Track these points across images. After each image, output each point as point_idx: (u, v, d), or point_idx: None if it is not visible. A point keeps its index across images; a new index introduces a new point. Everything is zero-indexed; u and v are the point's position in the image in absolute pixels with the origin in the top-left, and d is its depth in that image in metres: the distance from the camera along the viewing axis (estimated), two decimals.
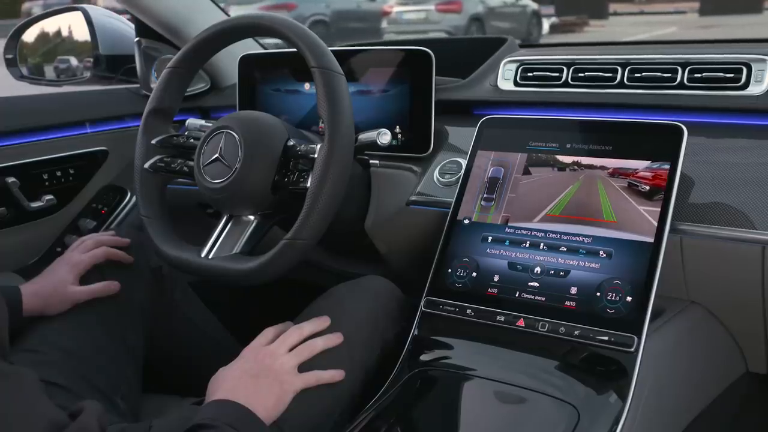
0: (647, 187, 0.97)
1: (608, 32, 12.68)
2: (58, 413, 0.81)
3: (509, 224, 1.03)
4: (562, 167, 1.04)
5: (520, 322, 0.96)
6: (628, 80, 1.14)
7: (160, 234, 1.10)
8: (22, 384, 0.83)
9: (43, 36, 1.65)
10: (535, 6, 11.86)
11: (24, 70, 1.63)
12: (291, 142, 1.05)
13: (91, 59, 1.57)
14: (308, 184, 0.98)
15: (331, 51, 1.22)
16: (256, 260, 1.00)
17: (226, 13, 1.61)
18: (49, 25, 1.64)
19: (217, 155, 1.05)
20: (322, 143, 0.98)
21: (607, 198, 0.98)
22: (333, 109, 0.98)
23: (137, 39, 1.54)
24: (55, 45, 1.66)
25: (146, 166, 1.13)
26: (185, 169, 1.12)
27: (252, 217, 1.08)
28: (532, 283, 0.98)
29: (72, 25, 1.60)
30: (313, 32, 1.05)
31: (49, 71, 1.65)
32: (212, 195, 1.06)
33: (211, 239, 1.08)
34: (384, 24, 11.18)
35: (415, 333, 1.03)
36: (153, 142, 1.14)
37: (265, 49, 1.59)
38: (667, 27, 12.30)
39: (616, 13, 15.22)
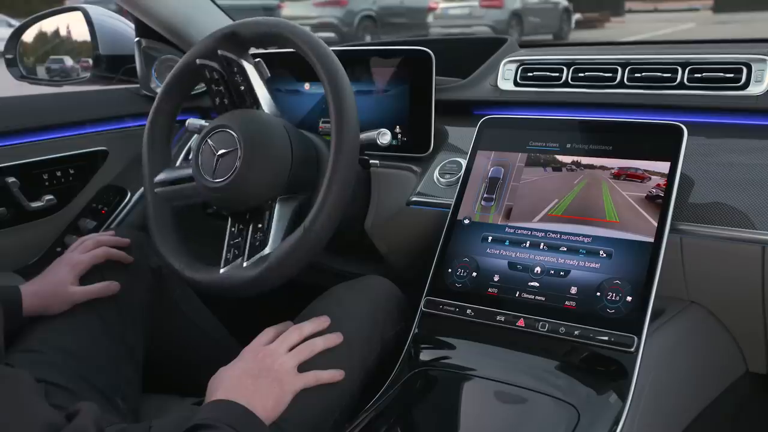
0: (647, 187, 0.97)
1: (630, 28, 12.82)
2: (54, 415, 0.81)
3: (509, 224, 1.03)
4: (562, 167, 1.04)
5: (520, 322, 0.96)
6: (628, 80, 1.14)
7: (185, 262, 1.09)
8: (18, 386, 0.83)
9: (43, 36, 1.65)
10: (565, 3, 12.41)
11: (24, 70, 1.63)
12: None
13: (89, 59, 1.56)
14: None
15: (332, 51, 1.22)
16: (259, 267, 1.00)
17: (227, 14, 1.61)
18: (49, 25, 1.64)
19: (216, 154, 1.05)
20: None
21: (610, 198, 0.98)
22: (340, 118, 0.99)
23: (137, 39, 1.54)
24: (54, 45, 1.66)
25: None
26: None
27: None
28: (532, 283, 0.98)
29: (72, 25, 1.60)
30: (322, 41, 1.05)
31: (42, 72, 1.65)
32: (212, 194, 1.06)
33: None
34: (430, 19, 11.51)
35: (415, 333, 1.03)
36: (156, 190, 1.14)
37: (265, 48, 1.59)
38: (685, 23, 12.41)
39: (630, 11, 15.29)
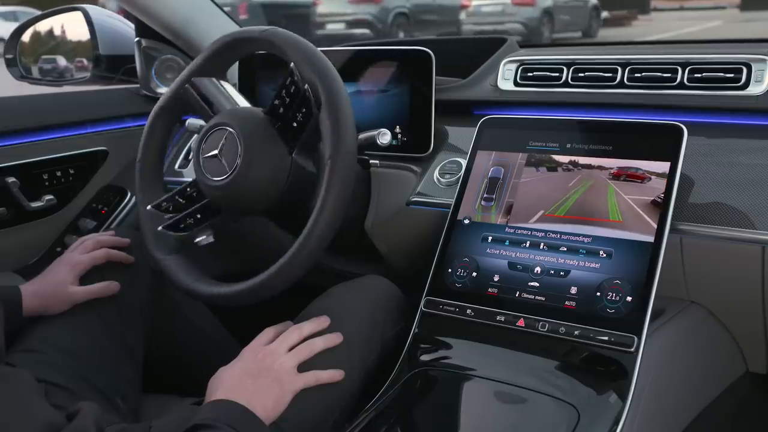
0: (647, 188, 0.97)
1: (656, 26, 12.85)
2: (54, 415, 0.81)
3: (509, 224, 1.03)
4: (562, 167, 1.04)
5: (520, 322, 0.96)
6: (628, 80, 1.13)
7: (182, 270, 1.09)
8: (19, 386, 0.83)
9: (43, 36, 1.65)
10: (595, 1, 12.53)
11: (24, 70, 1.63)
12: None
13: (83, 59, 1.56)
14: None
15: (332, 51, 1.22)
16: (252, 280, 1.00)
17: (227, 13, 1.61)
18: (49, 25, 1.64)
19: (216, 152, 1.04)
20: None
21: (614, 199, 0.98)
22: (337, 129, 0.98)
23: (137, 39, 1.54)
24: (54, 45, 1.66)
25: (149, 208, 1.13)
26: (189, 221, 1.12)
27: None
28: (532, 283, 0.98)
29: (72, 25, 1.60)
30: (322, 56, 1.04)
31: (36, 72, 1.65)
32: (215, 193, 1.06)
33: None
34: (462, 16, 11.58)
35: (415, 333, 1.03)
36: (148, 208, 1.13)
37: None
38: (711, 21, 12.38)
39: (656, 9, 15.30)
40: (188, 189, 1.12)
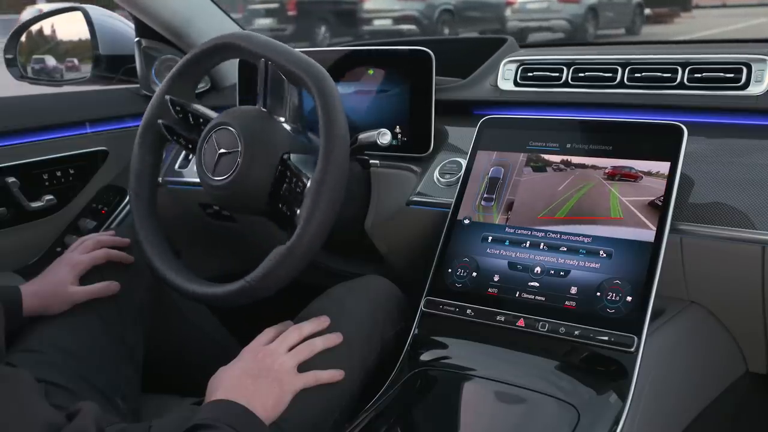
0: (647, 188, 0.97)
1: (699, 23, 12.71)
2: (54, 415, 0.81)
3: (509, 224, 1.03)
4: (563, 167, 1.04)
5: (520, 322, 0.96)
6: (628, 80, 1.13)
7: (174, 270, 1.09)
8: (19, 386, 0.83)
9: (42, 36, 1.65)
10: None
11: (23, 70, 1.63)
12: (287, 156, 1.04)
13: (74, 59, 1.56)
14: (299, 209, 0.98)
15: (332, 51, 1.22)
16: (237, 283, 0.99)
17: (226, 13, 1.61)
18: (49, 25, 1.64)
19: (217, 152, 1.05)
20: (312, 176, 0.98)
21: (617, 199, 0.98)
22: (328, 132, 0.98)
23: (137, 39, 1.54)
24: (51, 45, 1.66)
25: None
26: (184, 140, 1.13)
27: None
28: (532, 283, 0.98)
29: (72, 25, 1.60)
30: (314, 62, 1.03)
31: (29, 72, 1.65)
32: (217, 192, 1.06)
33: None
34: (508, 13, 11.55)
35: (415, 333, 1.03)
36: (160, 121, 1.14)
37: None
38: (756, 18, 12.24)
39: (698, 6, 15.24)
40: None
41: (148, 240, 1.12)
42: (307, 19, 11.41)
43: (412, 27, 10.99)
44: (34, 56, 1.64)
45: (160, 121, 1.15)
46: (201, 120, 1.14)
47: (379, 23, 11.32)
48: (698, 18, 13.89)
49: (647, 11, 12.77)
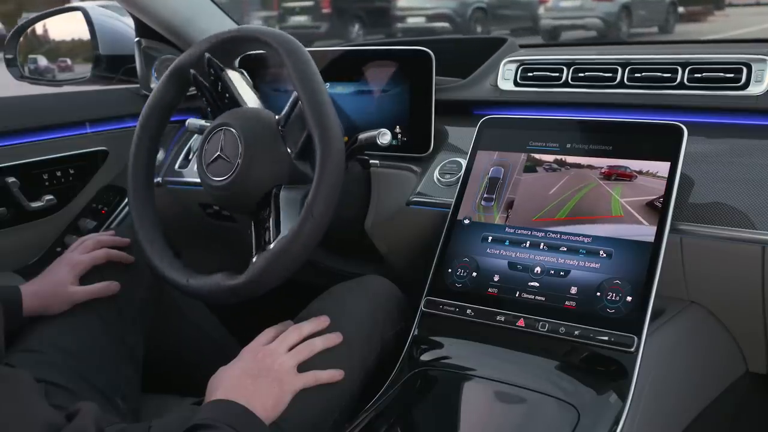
0: (647, 188, 0.97)
1: (733, 22, 12.47)
2: (54, 415, 0.81)
3: (509, 224, 1.03)
4: (563, 167, 1.04)
5: (520, 322, 0.96)
6: (628, 80, 1.13)
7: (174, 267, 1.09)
8: (18, 386, 0.83)
9: (42, 36, 1.65)
10: None
11: (23, 70, 1.63)
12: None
13: (66, 59, 1.56)
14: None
15: (332, 51, 1.22)
16: (242, 276, 0.99)
17: (226, 13, 1.61)
18: (49, 25, 1.64)
19: (218, 153, 1.05)
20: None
21: (618, 199, 0.98)
22: (323, 133, 0.98)
23: (137, 39, 1.54)
24: (54, 45, 1.66)
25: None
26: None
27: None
28: (532, 283, 0.98)
29: (72, 25, 1.60)
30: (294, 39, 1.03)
31: (25, 71, 1.64)
32: (217, 193, 1.06)
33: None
34: (541, 11, 11.52)
35: (415, 333, 1.03)
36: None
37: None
38: None
39: (731, 5, 15.16)
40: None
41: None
42: (341, 16, 11.52)
43: (445, 25, 11.04)
44: (29, 56, 1.64)
45: (192, 71, 1.12)
46: (227, 95, 1.12)
47: (412, 21, 11.39)
48: (732, 16, 13.72)
49: (681, 9, 12.64)
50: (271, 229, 1.03)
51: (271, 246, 1.00)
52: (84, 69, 1.61)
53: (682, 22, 12.55)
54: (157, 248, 1.10)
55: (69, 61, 1.59)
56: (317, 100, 0.99)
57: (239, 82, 1.13)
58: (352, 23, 11.49)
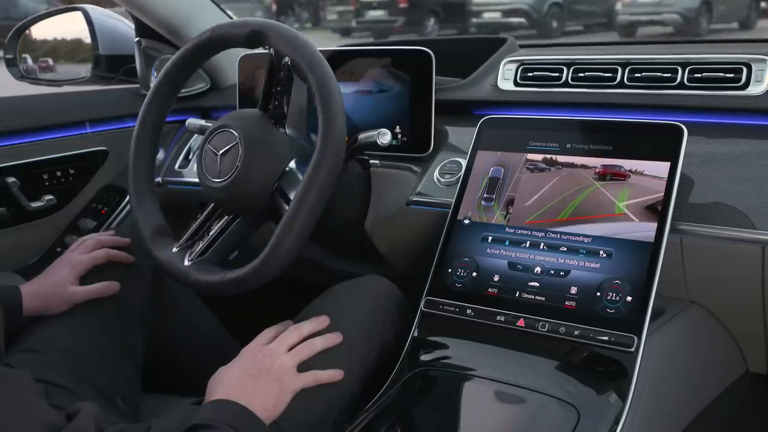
0: (647, 188, 0.97)
1: None
2: (54, 415, 0.81)
3: (509, 224, 1.03)
4: (562, 167, 1.04)
5: (520, 322, 0.96)
6: (628, 80, 1.13)
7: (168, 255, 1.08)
8: (18, 386, 0.83)
9: (42, 36, 1.65)
10: None
11: (23, 70, 1.63)
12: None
13: (48, 59, 1.56)
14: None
15: (332, 51, 1.21)
16: (236, 271, 0.99)
17: (226, 13, 1.61)
18: (49, 25, 1.64)
19: (218, 154, 1.05)
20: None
21: (616, 199, 0.98)
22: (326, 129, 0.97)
23: (137, 39, 1.54)
24: (54, 45, 1.66)
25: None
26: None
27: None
28: (532, 283, 0.98)
29: (72, 25, 1.60)
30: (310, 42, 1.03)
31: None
32: (215, 194, 1.06)
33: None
34: (618, 6, 11.40)
35: (415, 333, 1.03)
36: (174, 250, 1.10)
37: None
38: None
39: None
40: (207, 216, 1.11)
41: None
42: (418, 11, 11.58)
43: (522, 20, 11.06)
44: (22, 55, 1.64)
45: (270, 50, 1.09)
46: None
47: (488, 16, 11.42)
48: None
49: (763, 4, 12.31)
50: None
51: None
52: (66, 69, 1.61)
53: (765, 18, 12.21)
54: (160, 240, 1.09)
55: (50, 61, 1.59)
56: (325, 84, 0.98)
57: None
58: (428, 18, 11.56)
